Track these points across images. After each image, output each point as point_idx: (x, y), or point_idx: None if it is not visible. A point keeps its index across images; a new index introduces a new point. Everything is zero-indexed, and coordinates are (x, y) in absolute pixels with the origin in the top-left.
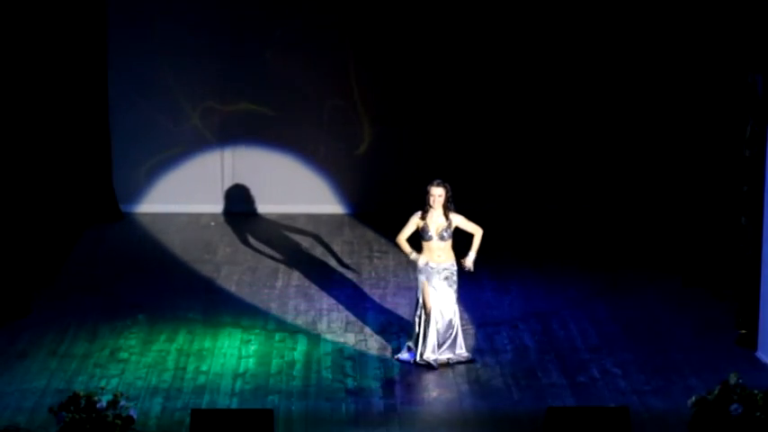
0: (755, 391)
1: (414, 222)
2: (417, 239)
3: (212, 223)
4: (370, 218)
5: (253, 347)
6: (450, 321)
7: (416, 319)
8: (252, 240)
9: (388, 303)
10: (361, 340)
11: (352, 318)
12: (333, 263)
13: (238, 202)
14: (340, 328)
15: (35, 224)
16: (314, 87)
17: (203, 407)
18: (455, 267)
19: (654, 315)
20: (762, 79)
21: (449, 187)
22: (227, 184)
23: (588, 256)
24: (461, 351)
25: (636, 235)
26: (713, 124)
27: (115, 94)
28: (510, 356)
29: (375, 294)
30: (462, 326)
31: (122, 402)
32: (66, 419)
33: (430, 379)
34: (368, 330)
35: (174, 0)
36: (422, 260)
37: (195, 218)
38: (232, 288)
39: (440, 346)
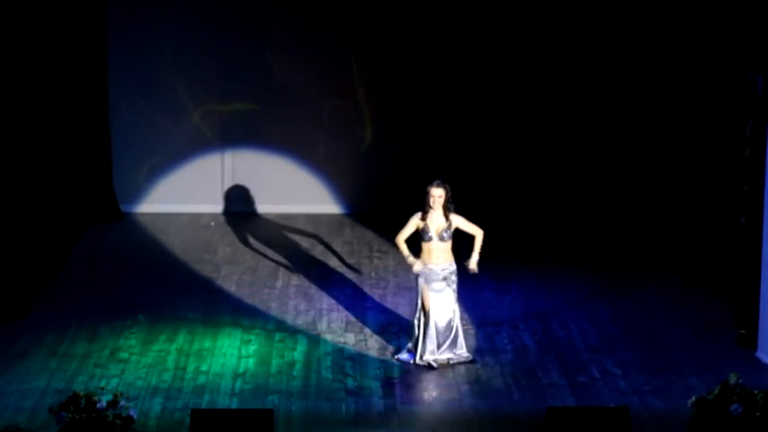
0: (755, 391)
1: (414, 223)
2: (417, 240)
3: (212, 223)
4: (370, 218)
5: (253, 347)
6: (450, 322)
7: (416, 321)
8: (252, 240)
9: (388, 303)
10: (361, 340)
11: (352, 318)
12: (333, 263)
13: (238, 202)
14: (340, 328)
15: (35, 224)
16: (314, 87)
17: (203, 407)
18: (454, 268)
19: (654, 315)
20: (762, 79)
21: (449, 188)
22: (227, 184)
23: (588, 256)
24: (461, 351)
25: (636, 235)
26: (713, 124)
27: (115, 94)
28: (510, 356)
29: (375, 294)
30: (462, 326)
31: (122, 402)
32: (67, 419)
33: (430, 379)
34: (368, 330)
35: (174, 0)
36: (417, 266)
37: (195, 218)
38: (232, 288)
39: (439, 347)
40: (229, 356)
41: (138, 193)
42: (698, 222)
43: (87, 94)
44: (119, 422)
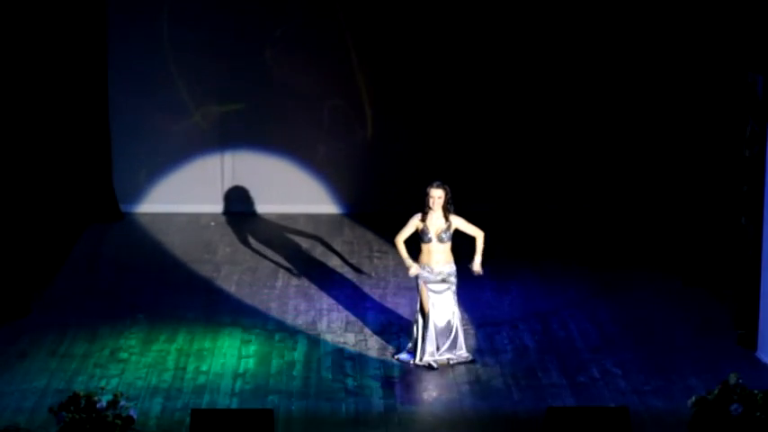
0: (755, 391)
1: (413, 224)
2: (416, 241)
3: (212, 223)
4: (370, 218)
5: (253, 347)
6: (450, 324)
7: (415, 323)
8: (252, 240)
9: (388, 303)
10: (361, 340)
11: (352, 318)
12: (333, 263)
13: (238, 202)
14: (340, 328)
15: (35, 224)
16: (314, 87)
17: (203, 407)
18: (454, 270)
19: (654, 315)
20: (762, 79)
21: (448, 189)
22: (227, 184)
23: (588, 256)
24: (461, 352)
25: (636, 235)
26: (713, 124)
27: (115, 94)
28: (510, 356)
29: (375, 294)
30: (462, 326)
31: (122, 402)
32: (67, 419)
33: (430, 379)
34: (368, 330)
35: (174, 0)
36: (413, 270)
37: (195, 218)
38: (232, 288)
39: (438, 349)
40: (229, 356)
41: (138, 193)
42: (698, 222)
43: (87, 94)
44: (119, 422)
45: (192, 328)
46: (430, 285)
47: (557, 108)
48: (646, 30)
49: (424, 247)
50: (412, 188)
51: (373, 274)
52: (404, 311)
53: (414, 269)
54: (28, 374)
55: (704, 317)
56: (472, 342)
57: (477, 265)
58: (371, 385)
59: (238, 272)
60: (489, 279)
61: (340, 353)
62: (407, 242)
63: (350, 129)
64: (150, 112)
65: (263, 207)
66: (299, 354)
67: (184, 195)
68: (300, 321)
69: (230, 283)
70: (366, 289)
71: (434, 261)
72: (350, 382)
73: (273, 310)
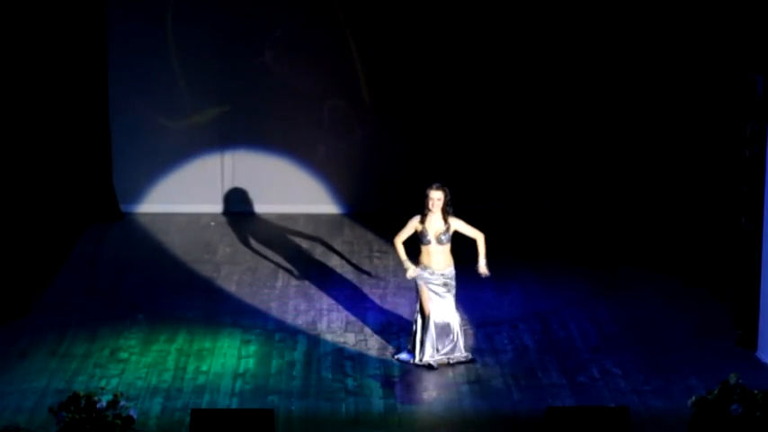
0: (755, 391)
1: (412, 226)
2: (416, 243)
3: (212, 223)
4: (369, 218)
5: (253, 347)
6: (449, 326)
7: (414, 323)
8: (252, 240)
9: (388, 303)
10: (361, 340)
11: (352, 318)
12: (333, 263)
13: (238, 202)
14: (340, 328)
15: (35, 224)
16: (314, 87)
17: (203, 407)
18: (453, 272)
19: (654, 315)
20: (762, 79)
21: (448, 191)
22: (227, 184)
23: (588, 255)
24: (461, 353)
25: (636, 235)
26: (713, 124)
27: (115, 94)
28: (510, 356)
29: (375, 294)
30: (462, 326)
31: (122, 402)
32: (67, 419)
33: (430, 379)
34: (368, 330)
35: (174, 0)
36: (411, 272)
37: (195, 218)
38: (232, 288)
39: (438, 351)
40: (229, 356)
41: (138, 193)
42: (698, 222)
43: (87, 94)
44: (119, 422)
45: (192, 328)
46: (430, 286)
47: (556, 108)
48: (646, 30)
49: (424, 248)
50: (412, 188)
51: (373, 274)
52: (404, 311)
53: (411, 271)
54: (28, 374)
55: (704, 317)
56: (472, 342)
57: (482, 267)
58: (371, 385)
59: (238, 272)
60: (489, 279)
61: (340, 353)
62: (407, 244)
63: (350, 129)
64: (150, 113)
65: (262, 207)
66: (299, 354)
67: (184, 195)
68: (300, 321)
69: (230, 283)
70: (366, 289)
71: (434, 263)
72: (350, 381)
73: (273, 310)
